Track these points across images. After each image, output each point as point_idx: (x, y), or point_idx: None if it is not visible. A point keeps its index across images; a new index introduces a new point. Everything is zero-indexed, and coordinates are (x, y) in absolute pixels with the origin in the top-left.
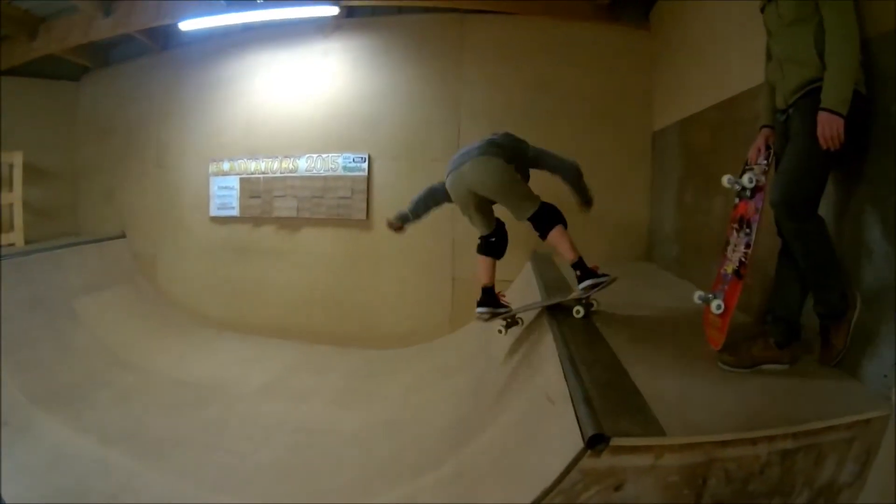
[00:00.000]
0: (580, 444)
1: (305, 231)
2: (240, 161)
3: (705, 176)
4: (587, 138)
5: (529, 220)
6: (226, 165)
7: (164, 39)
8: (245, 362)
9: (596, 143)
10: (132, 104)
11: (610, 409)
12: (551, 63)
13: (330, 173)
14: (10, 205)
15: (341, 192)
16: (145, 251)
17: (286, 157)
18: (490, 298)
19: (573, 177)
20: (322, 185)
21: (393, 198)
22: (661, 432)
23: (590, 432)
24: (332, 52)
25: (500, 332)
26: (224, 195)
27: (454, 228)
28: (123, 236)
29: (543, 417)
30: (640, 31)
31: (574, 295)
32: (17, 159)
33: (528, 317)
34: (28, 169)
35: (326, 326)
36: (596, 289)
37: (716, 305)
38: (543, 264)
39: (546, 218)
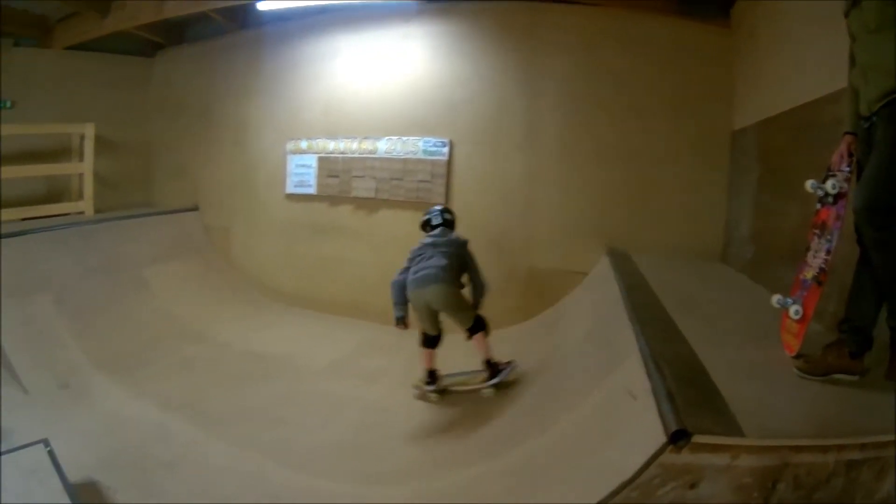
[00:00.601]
0: (662, 439)
1: (383, 212)
2: (318, 140)
3: (784, 178)
4: (662, 134)
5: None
6: (304, 144)
7: (241, 19)
8: (315, 339)
9: (671, 139)
10: (208, 82)
11: (692, 406)
12: (628, 56)
13: (410, 156)
14: (81, 174)
15: (421, 176)
16: (218, 225)
17: (366, 138)
18: (433, 378)
19: (480, 293)
20: (401, 168)
21: (472, 183)
22: (739, 432)
23: (673, 427)
24: (411, 38)
25: (432, 399)
26: (301, 173)
27: (531, 217)
28: (196, 209)
29: (622, 411)
30: (719, 27)
31: (484, 387)
32: (89, 131)
33: (604, 311)
34: (100, 141)
35: None
36: (499, 380)
37: (794, 311)
38: (621, 260)
39: (476, 326)
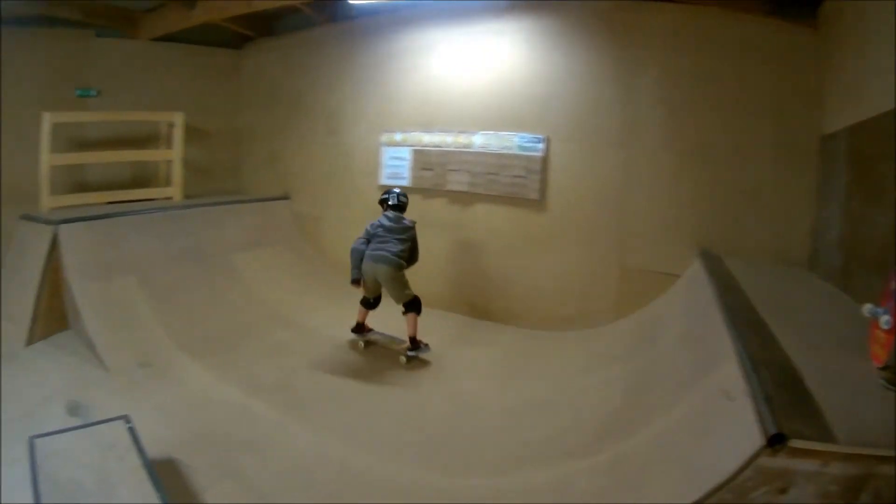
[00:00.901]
0: (760, 442)
1: (477, 206)
2: (413, 133)
3: (874, 185)
4: (753, 135)
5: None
6: (398, 136)
7: (330, 12)
8: (404, 330)
9: (762, 141)
10: (300, 73)
11: (787, 410)
12: (721, 55)
13: (505, 151)
14: (170, 161)
15: (516, 171)
16: (309, 213)
17: (461, 132)
18: (360, 329)
19: (412, 262)
20: (497, 163)
21: (567, 180)
22: (832, 439)
23: (772, 430)
24: (505, 33)
25: (361, 346)
26: (395, 165)
27: (625, 217)
28: (287, 198)
29: (718, 413)
30: (807, 28)
31: (403, 354)
32: (179, 119)
33: (699, 313)
34: (190, 130)
35: (490, 302)
36: (414, 355)
37: (885, 321)
38: (713, 262)
39: (411, 305)
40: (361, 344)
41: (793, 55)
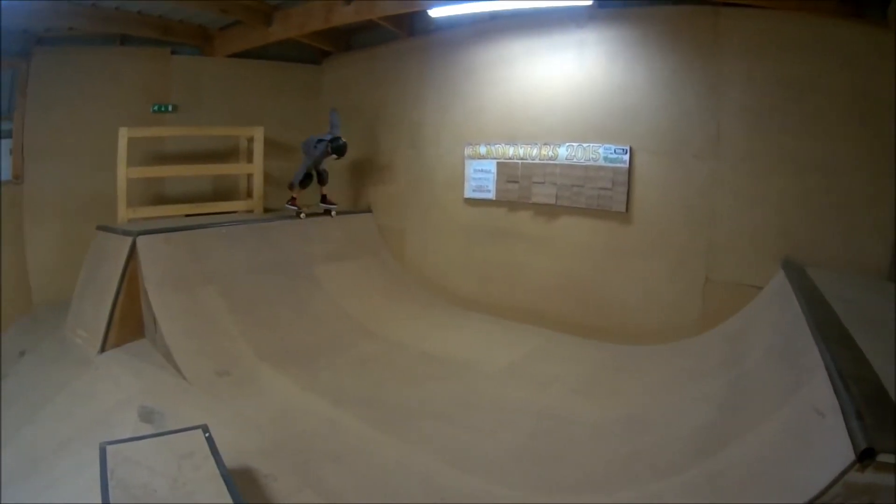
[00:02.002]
0: (850, 457)
1: (563, 219)
2: (497, 146)
3: None
4: (839, 142)
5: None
6: (483, 149)
7: (408, 26)
8: (490, 343)
9: (847, 147)
10: (380, 87)
11: (877, 425)
12: (807, 61)
13: (591, 163)
14: (250, 175)
15: (601, 183)
16: (393, 226)
17: (545, 144)
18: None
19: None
20: (582, 175)
21: (652, 192)
22: None
23: (862, 445)
24: (587, 43)
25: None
26: (480, 178)
27: (711, 229)
28: (369, 211)
29: (809, 430)
30: (879, 27)
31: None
32: (258, 134)
33: (785, 327)
34: (270, 144)
35: (575, 316)
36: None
37: None
38: (797, 274)
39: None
40: (303, 216)
41: (867, 58)
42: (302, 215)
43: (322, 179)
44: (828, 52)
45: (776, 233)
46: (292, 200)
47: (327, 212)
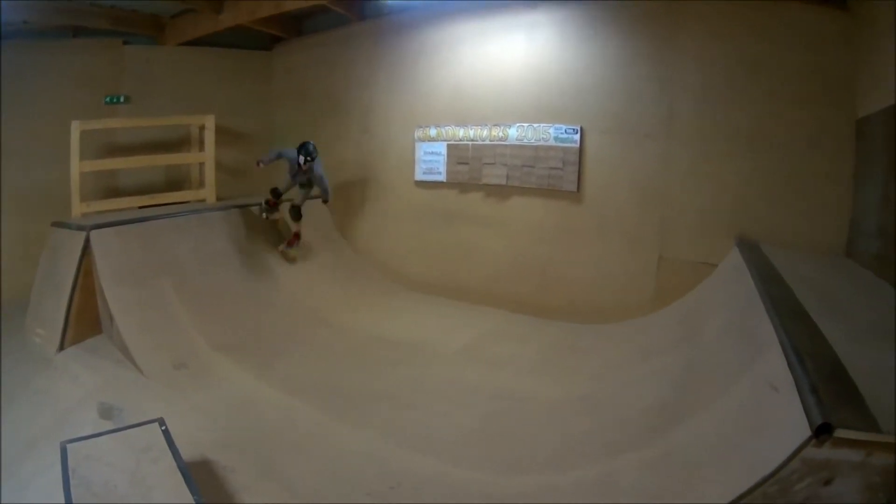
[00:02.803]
0: (806, 433)
1: (514, 200)
2: (447, 128)
3: None
4: (791, 122)
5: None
6: (433, 131)
7: (359, 10)
8: (445, 325)
9: (800, 127)
10: (331, 71)
11: (833, 401)
12: (760, 42)
13: (541, 143)
14: (202, 164)
15: (552, 163)
16: (345, 211)
17: (496, 125)
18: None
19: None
20: (532, 155)
21: (604, 171)
22: (877, 429)
23: (818, 421)
24: (539, 24)
25: (264, 217)
26: (430, 160)
27: (663, 207)
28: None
29: (764, 405)
30: (840, 11)
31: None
32: (209, 122)
33: (740, 303)
34: (222, 132)
35: (529, 296)
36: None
37: None
38: (751, 251)
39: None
40: (266, 216)
41: (827, 39)
42: (265, 216)
43: (294, 213)
44: (786, 34)
45: (730, 210)
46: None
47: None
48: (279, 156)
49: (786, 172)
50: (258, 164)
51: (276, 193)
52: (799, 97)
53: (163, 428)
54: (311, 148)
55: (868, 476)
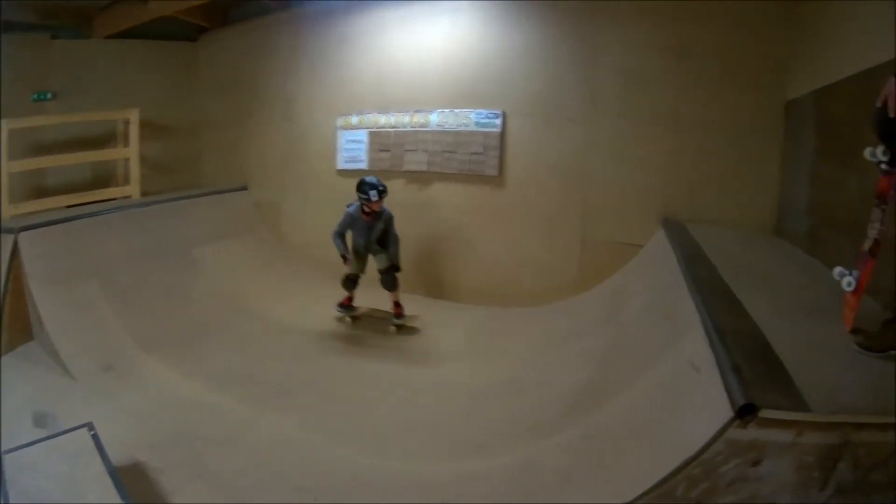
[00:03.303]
0: (729, 414)
1: (436, 185)
2: (369, 115)
3: (843, 149)
4: (718, 103)
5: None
6: (354, 119)
7: None
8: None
9: (727, 109)
10: (255, 60)
11: (757, 380)
12: (685, 24)
13: (462, 128)
14: (127, 159)
15: (473, 148)
16: (269, 202)
17: (417, 111)
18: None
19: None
20: (454, 140)
21: (526, 155)
22: (805, 408)
23: (740, 401)
24: (461, 9)
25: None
26: (352, 148)
27: (586, 190)
28: (245, 188)
29: (685, 386)
30: None
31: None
32: (133, 116)
33: (663, 283)
34: (147, 126)
35: (452, 281)
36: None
37: (846, 282)
38: (677, 231)
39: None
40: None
41: (757, 22)
42: (348, 319)
43: (387, 281)
44: (714, 16)
45: (656, 192)
46: (346, 299)
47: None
48: (344, 225)
49: (715, 154)
50: (345, 260)
51: (352, 282)
52: (729, 80)
53: (92, 433)
54: (375, 180)
55: (800, 456)
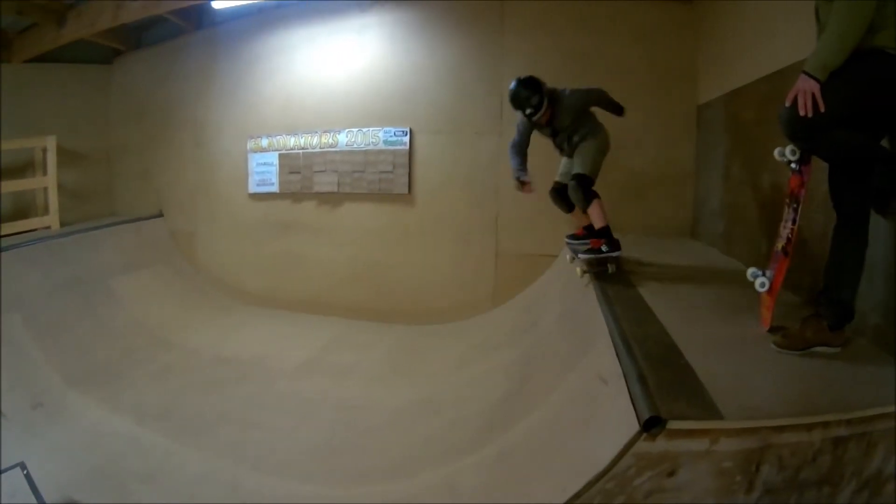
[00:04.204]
0: (635, 427)
1: (346, 206)
2: (279, 137)
3: (753, 150)
4: (630, 113)
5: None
6: (264, 142)
7: (196, 19)
8: (285, 339)
9: (639, 117)
10: (167, 84)
11: (665, 389)
12: (593, 37)
13: (371, 147)
14: (45, 188)
15: (382, 167)
16: (183, 229)
17: (326, 131)
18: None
19: None
20: (363, 160)
21: (435, 171)
22: (718, 415)
23: (646, 415)
24: (369, 28)
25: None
26: (263, 171)
27: (498, 203)
28: (161, 215)
29: (595, 398)
30: (682, 3)
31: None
32: (51, 143)
33: (575, 293)
34: (62, 153)
35: (368, 302)
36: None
37: (759, 283)
38: None
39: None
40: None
41: (670, 30)
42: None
43: (575, 194)
44: (620, 28)
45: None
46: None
47: (601, 264)
48: (517, 141)
49: (629, 162)
50: (523, 185)
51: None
52: (640, 88)
53: (24, 472)
54: (522, 84)
55: (717, 462)
